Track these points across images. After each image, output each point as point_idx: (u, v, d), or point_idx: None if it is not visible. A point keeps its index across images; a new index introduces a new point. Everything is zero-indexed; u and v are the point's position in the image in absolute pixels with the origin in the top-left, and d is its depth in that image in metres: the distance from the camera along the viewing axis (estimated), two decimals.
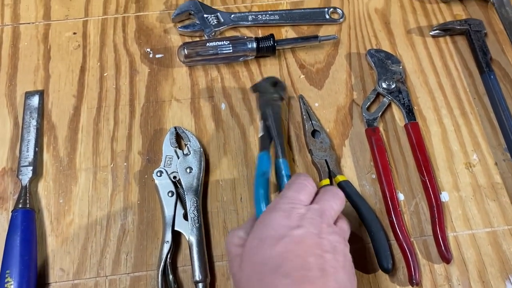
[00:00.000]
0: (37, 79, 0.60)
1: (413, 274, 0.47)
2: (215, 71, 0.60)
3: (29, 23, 0.64)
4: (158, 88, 0.59)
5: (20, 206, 0.49)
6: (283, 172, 0.49)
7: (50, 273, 0.48)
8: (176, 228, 0.49)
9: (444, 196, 0.53)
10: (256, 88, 0.56)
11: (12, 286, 0.44)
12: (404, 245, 0.49)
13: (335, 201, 0.43)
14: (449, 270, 0.49)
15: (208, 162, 0.54)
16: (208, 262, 0.48)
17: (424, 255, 0.50)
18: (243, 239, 0.41)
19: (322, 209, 0.41)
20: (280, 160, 0.49)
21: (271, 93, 0.54)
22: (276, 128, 0.51)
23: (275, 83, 0.55)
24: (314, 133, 0.55)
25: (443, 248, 0.49)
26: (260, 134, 0.52)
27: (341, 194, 0.45)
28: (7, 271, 0.45)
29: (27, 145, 0.54)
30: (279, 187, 0.49)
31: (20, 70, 0.60)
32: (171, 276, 0.47)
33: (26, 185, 0.51)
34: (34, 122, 0.56)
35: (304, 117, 0.56)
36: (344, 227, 0.43)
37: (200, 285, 0.46)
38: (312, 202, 0.43)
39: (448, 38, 0.64)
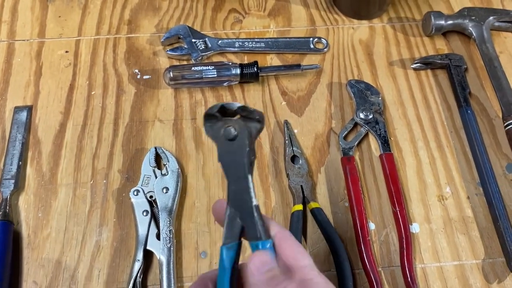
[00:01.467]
0: (27, 95, 0.62)
1: None
2: (200, 94, 0.62)
3: (24, 40, 0.66)
4: (143, 108, 0.61)
5: None
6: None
7: (23, 285, 0.49)
8: (148, 247, 0.50)
9: (415, 228, 0.54)
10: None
11: None
12: (371, 274, 0.49)
13: None
14: None
15: (185, 183, 0.56)
16: (177, 283, 0.49)
17: (391, 286, 0.50)
18: None
19: None
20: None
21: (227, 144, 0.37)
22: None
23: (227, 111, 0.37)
24: (293, 158, 0.56)
25: (409, 279, 0.49)
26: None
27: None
28: None
29: (11, 158, 0.56)
30: None
31: (11, 85, 0.62)
32: None
33: (7, 198, 0.53)
34: (20, 137, 0.58)
35: (286, 142, 0.57)
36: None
37: None
38: None
39: (429, 71, 0.65)
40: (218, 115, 0.36)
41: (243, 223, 0.35)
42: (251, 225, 0.34)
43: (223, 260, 0.34)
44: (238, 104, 0.36)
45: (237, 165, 0.35)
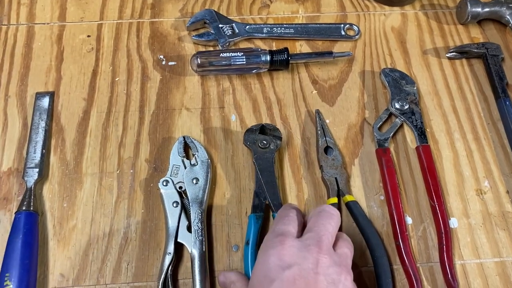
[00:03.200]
0: (48, 80, 0.59)
1: None
2: (227, 81, 0.60)
3: (44, 24, 0.64)
4: (169, 96, 0.59)
5: (23, 208, 0.49)
6: None
7: (50, 278, 0.48)
8: (179, 240, 0.48)
9: (453, 223, 0.52)
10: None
11: None
12: (410, 271, 0.48)
13: (330, 222, 0.41)
14: None
15: (215, 174, 0.54)
16: (209, 277, 0.47)
17: (429, 282, 0.49)
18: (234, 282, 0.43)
19: (318, 236, 0.39)
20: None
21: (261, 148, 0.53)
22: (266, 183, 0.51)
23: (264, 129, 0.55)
24: (326, 149, 0.54)
25: (449, 276, 0.48)
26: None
27: (334, 212, 0.42)
28: (7, 274, 0.45)
29: (35, 146, 0.54)
30: None
31: (32, 70, 0.60)
32: None
33: (31, 187, 0.51)
34: (43, 124, 0.56)
35: (319, 132, 0.55)
36: (346, 251, 0.41)
37: None
38: (304, 229, 0.41)
39: (464, 60, 0.63)
40: (255, 130, 0.54)
41: (269, 200, 0.50)
42: (275, 200, 0.50)
43: (251, 224, 0.49)
44: (272, 125, 0.55)
45: (267, 163, 0.52)
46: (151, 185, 0.53)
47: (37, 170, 0.52)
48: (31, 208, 0.49)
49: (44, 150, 0.54)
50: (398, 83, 0.59)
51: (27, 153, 0.54)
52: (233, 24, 0.63)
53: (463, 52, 0.62)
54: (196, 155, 0.53)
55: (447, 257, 0.49)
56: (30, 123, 0.56)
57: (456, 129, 0.58)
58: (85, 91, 0.59)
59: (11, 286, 0.44)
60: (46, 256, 0.49)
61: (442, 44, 0.64)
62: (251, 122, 0.57)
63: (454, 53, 0.62)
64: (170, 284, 0.47)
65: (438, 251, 0.50)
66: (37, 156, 0.53)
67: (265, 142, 0.53)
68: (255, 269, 0.40)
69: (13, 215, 0.49)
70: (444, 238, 0.50)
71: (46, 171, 0.53)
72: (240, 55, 0.58)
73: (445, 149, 0.56)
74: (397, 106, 0.57)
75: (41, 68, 0.60)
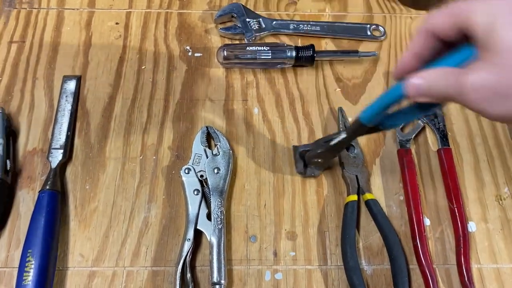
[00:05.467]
0: (75, 65, 0.60)
1: None
2: (251, 75, 0.60)
3: (73, 9, 0.65)
4: (193, 86, 0.59)
5: (47, 187, 0.50)
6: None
7: (70, 257, 0.49)
8: (198, 227, 0.49)
9: (471, 226, 0.52)
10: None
11: (32, 266, 0.45)
12: (427, 271, 0.48)
13: None
14: None
15: (235, 165, 0.54)
16: (226, 265, 0.48)
17: (445, 284, 0.49)
18: None
19: None
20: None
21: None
22: None
23: None
24: (348, 147, 0.54)
25: (466, 279, 0.48)
26: None
27: None
28: (29, 251, 0.46)
29: (60, 128, 0.55)
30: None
31: (60, 54, 0.61)
32: (189, 275, 0.47)
33: (55, 168, 0.52)
34: (69, 106, 0.57)
35: (341, 129, 0.55)
36: None
37: (217, 287, 0.46)
38: None
39: None
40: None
41: None
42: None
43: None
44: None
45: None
46: (173, 172, 0.53)
47: (61, 151, 0.53)
48: (55, 188, 0.50)
49: (69, 132, 0.55)
50: None
51: (52, 134, 0.54)
52: (260, 19, 0.63)
53: None
54: (218, 145, 0.54)
55: (465, 260, 0.49)
56: (56, 106, 0.57)
57: (478, 134, 0.58)
58: (111, 77, 0.59)
59: (33, 262, 0.45)
60: (67, 236, 0.50)
61: None
62: (273, 116, 0.58)
63: None
64: (188, 271, 0.47)
65: (455, 253, 0.50)
66: (62, 138, 0.54)
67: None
68: None
69: (37, 194, 0.50)
70: (462, 241, 0.50)
71: (70, 153, 0.54)
72: (266, 49, 0.59)
73: (465, 153, 0.56)
74: None
75: (69, 52, 0.61)
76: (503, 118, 0.31)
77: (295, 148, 0.54)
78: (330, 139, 0.47)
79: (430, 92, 0.32)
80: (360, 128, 0.41)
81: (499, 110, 0.30)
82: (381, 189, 0.53)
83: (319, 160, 0.51)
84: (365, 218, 0.52)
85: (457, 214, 0.51)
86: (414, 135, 0.56)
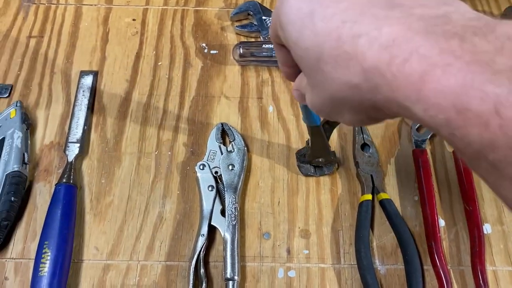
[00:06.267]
0: (93, 60, 0.61)
1: None
2: (267, 73, 0.61)
3: (91, 5, 0.65)
4: (209, 83, 0.59)
5: (64, 180, 0.50)
6: None
7: (85, 250, 0.49)
8: (212, 223, 0.49)
9: (487, 228, 0.51)
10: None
11: (48, 257, 0.45)
12: (441, 272, 0.48)
13: None
14: None
15: (250, 162, 0.54)
16: (240, 262, 0.48)
17: (460, 286, 0.48)
18: None
19: None
20: None
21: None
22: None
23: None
24: (363, 146, 0.54)
25: (481, 281, 0.47)
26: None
27: None
28: (46, 242, 0.46)
29: (77, 122, 0.55)
30: None
31: (77, 49, 0.62)
32: (202, 270, 0.47)
33: (71, 161, 0.52)
34: (86, 101, 0.57)
35: (356, 129, 0.55)
36: None
37: (231, 283, 0.46)
38: None
39: None
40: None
41: None
42: None
43: None
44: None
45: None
46: (188, 168, 0.53)
47: (78, 145, 0.54)
48: (71, 181, 0.51)
49: (85, 127, 0.55)
50: None
51: (69, 128, 0.55)
52: None
53: None
54: (233, 142, 0.54)
55: (480, 262, 0.48)
56: (73, 100, 0.57)
57: None
58: (128, 73, 0.60)
59: (49, 253, 0.45)
60: (82, 229, 0.50)
61: None
62: (288, 114, 0.58)
63: None
64: (201, 266, 0.47)
65: (470, 255, 0.49)
66: (78, 132, 0.55)
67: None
68: None
69: (53, 187, 0.50)
70: (477, 243, 0.49)
71: (87, 147, 0.55)
72: None
73: None
74: None
75: (86, 48, 0.62)
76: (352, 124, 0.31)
77: (296, 154, 0.54)
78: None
79: (301, 98, 0.34)
80: (309, 128, 0.47)
81: (335, 118, 0.30)
82: (396, 189, 0.53)
83: (320, 160, 0.51)
84: (379, 218, 0.51)
85: (472, 216, 0.51)
86: (430, 135, 0.55)
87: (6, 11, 0.64)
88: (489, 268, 0.49)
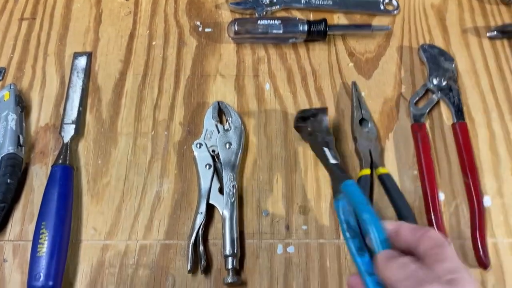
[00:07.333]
0: (86, 41, 0.60)
1: None
2: (263, 50, 0.60)
3: None
4: (204, 62, 0.59)
5: (60, 162, 0.50)
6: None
7: (83, 231, 0.49)
8: (210, 201, 0.49)
9: (487, 201, 0.51)
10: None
11: (46, 237, 0.45)
12: None
13: None
14: (485, 276, 0.47)
15: (247, 140, 0.54)
16: (239, 239, 0.48)
17: (460, 259, 0.47)
18: None
19: None
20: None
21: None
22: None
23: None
24: (361, 122, 0.54)
25: (481, 253, 0.47)
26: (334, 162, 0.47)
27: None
28: (43, 223, 0.46)
29: (72, 103, 0.55)
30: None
31: (70, 30, 0.61)
32: (201, 248, 0.47)
33: (67, 143, 0.52)
34: (80, 83, 0.56)
35: (355, 104, 0.54)
36: None
37: (230, 259, 0.46)
38: None
39: (505, 41, 0.61)
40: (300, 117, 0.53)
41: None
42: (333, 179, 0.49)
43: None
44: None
45: (319, 145, 0.50)
46: (185, 147, 0.53)
47: (73, 126, 0.53)
48: (67, 162, 0.50)
49: (80, 108, 0.55)
50: (437, 59, 0.58)
51: (64, 110, 0.55)
52: None
53: (504, 32, 0.61)
54: (229, 121, 0.53)
55: (480, 235, 0.48)
56: (67, 82, 0.57)
57: (494, 109, 0.56)
58: (122, 53, 0.59)
59: (47, 234, 0.45)
60: (80, 210, 0.50)
61: (483, 24, 0.63)
62: (285, 91, 0.57)
63: (495, 33, 0.61)
64: (200, 244, 0.47)
65: (470, 228, 0.49)
66: (74, 113, 0.54)
67: (309, 128, 0.51)
68: None
69: (49, 169, 0.50)
70: (477, 216, 0.49)
71: (82, 129, 0.54)
72: (277, 23, 0.58)
73: (481, 128, 0.55)
74: (435, 82, 0.56)
75: (79, 29, 0.61)
76: None
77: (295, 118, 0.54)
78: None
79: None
80: (328, 168, 0.48)
81: None
82: (395, 163, 0.53)
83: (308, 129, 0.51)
84: (378, 193, 0.51)
85: (472, 189, 0.50)
86: (428, 109, 0.55)
87: None
88: (489, 241, 0.49)
